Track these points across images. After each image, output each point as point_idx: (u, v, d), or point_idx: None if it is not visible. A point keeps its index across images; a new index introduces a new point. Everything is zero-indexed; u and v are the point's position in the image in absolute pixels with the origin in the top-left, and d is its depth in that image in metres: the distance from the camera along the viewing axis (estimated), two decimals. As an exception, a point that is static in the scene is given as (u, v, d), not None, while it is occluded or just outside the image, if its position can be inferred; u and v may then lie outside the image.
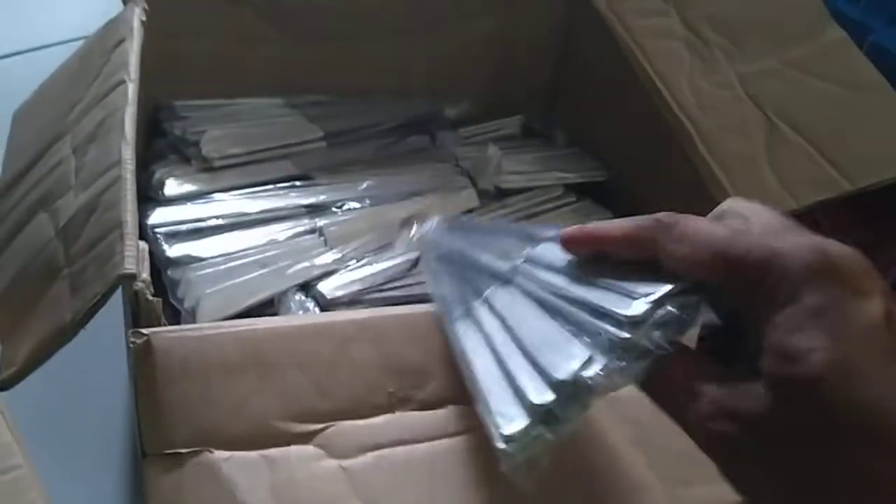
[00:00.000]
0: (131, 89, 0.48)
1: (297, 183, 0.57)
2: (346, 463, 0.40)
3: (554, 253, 0.37)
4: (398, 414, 0.41)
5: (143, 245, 0.42)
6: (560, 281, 0.35)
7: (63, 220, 0.45)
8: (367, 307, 0.50)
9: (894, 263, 0.54)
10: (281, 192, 0.55)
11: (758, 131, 0.53)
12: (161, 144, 0.58)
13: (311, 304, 0.49)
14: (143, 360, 0.39)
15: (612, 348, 0.30)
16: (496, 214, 0.60)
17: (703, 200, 0.53)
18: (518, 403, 0.32)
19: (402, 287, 0.52)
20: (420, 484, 0.39)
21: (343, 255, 0.52)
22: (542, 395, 0.31)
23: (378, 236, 0.53)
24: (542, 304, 0.36)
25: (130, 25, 0.53)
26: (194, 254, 0.49)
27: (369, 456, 0.40)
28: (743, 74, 0.56)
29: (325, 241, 0.52)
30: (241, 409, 0.40)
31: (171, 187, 0.53)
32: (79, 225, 0.44)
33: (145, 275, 0.40)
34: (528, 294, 0.37)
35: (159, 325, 0.40)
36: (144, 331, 0.39)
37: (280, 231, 0.53)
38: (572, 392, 0.31)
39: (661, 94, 0.56)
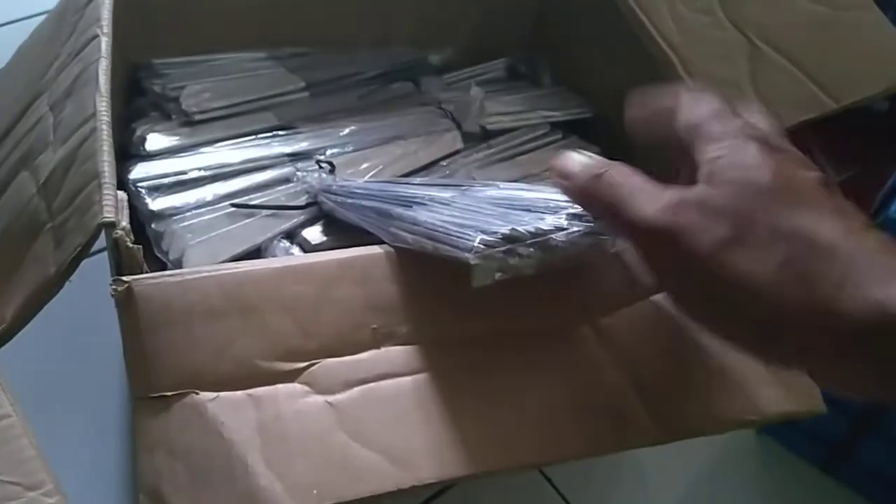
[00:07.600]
0: (104, 42, 0.48)
1: (280, 132, 0.56)
2: (332, 398, 0.40)
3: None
4: (383, 349, 0.41)
5: (122, 194, 0.42)
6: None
7: (43, 177, 0.45)
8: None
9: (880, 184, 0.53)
10: (263, 141, 0.55)
11: (740, 55, 0.52)
12: (141, 103, 0.58)
13: (296, 251, 0.49)
14: (125, 307, 0.39)
15: (573, 218, 0.36)
16: (482, 155, 0.59)
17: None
18: (482, 232, 0.35)
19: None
20: (406, 416, 0.40)
21: (328, 202, 0.51)
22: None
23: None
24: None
25: (102, -20, 0.53)
26: (177, 205, 0.49)
27: (355, 391, 0.40)
28: (724, -2, 0.55)
29: (309, 188, 0.52)
30: (226, 351, 0.40)
31: (153, 142, 0.53)
32: (58, 179, 0.44)
33: (125, 223, 0.40)
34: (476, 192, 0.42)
35: (141, 272, 0.40)
36: (125, 278, 0.39)
37: (263, 180, 0.52)
38: (538, 242, 0.35)
39: (642, 22, 0.55)
